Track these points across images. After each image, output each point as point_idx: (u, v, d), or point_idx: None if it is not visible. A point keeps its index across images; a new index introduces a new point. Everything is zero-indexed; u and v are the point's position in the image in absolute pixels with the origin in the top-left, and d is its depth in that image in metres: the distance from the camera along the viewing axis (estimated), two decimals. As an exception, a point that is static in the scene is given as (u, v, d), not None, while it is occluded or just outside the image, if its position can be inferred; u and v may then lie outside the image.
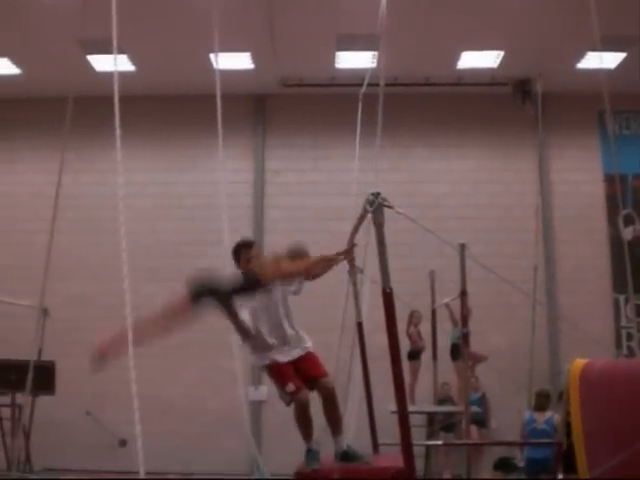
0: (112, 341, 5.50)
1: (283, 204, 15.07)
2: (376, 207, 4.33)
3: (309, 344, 6.59)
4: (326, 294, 9.30)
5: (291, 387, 6.28)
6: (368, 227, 5.25)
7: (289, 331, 6.49)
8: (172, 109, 15.45)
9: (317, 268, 6.21)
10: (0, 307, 13.11)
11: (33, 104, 15.24)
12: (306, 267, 6.21)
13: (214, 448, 13.81)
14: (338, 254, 6.47)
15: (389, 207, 4.36)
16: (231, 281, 6.05)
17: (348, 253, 6.73)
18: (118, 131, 4.34)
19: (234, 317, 6.07)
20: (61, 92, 9.17)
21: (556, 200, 15.15)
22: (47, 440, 13.17)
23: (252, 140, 15.56)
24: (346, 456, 6.30)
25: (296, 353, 6.46)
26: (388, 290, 4.38)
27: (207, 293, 5.84)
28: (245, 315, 6.18)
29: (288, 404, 6.34)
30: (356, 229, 6.09)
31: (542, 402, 9.89)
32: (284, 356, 6.42)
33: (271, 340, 6.40)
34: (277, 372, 6.40)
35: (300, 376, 6.36)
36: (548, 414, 9.61)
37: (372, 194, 4.33)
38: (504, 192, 15.08)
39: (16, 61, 13.99)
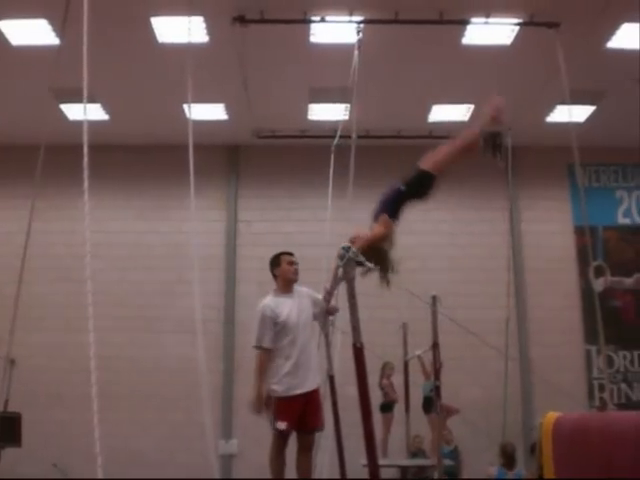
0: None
1: (255, 254, 14.96)
2: (346, 261, 4.31)
3: (319, 380, 6.56)
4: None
5: (282, 426, 6.21)
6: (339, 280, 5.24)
7: (311, 359, 6.48)
8: (145, 158, 15.45)
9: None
10: (-34, 357, 12.91)
11: (4, 151, 15.17)
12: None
13: (183, 502, 13.56)
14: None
15: (359, 262, 4.35)
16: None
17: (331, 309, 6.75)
18: (86, 182, 4.31)
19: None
20: (33, 140, 9.13)
21: (527, 251, 15.27)
22: (12, 494, 12.87)
23: (225, 190, 15.57)
24: None
25: (310, 385, 6.41)
26: (359, 345, 4.34)
27: None
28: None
29: (273, 430, 6.29)
30: (333, 284, 6.04)
31: (509, 458, 9.78)
32: (299, 388, 6.36)
33: (294, 367, 6.36)
34: (281, 405, 6.33)
35: (299, 414, 6.28)
36: (516, 469, 9.51)
37: (343, 247, 4.31)
38: (477, 244, 15.17)
39: (-12, 109, 13.96)
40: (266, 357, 6.41)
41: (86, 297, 4.33)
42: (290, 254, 6.75)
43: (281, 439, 6.29)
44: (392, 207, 5.81)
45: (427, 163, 5.87)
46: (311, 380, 6.44)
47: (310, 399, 6.42)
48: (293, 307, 6.53)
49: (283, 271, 6.64)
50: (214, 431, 11.04)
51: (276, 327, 6.42)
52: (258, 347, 6.44)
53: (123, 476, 12.22)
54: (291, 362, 6.36)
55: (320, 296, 6.76)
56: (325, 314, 6.93)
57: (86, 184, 4.25)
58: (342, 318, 7.18)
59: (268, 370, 6.44)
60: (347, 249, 4.29)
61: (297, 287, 6.74)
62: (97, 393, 3.91)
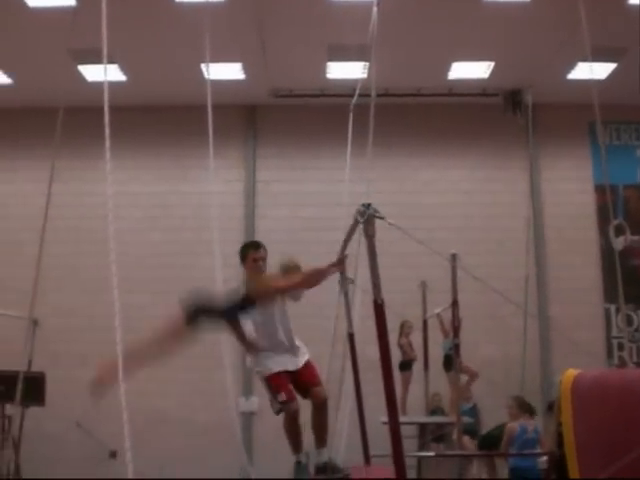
0: (110, 368, 5.45)
1: (274, 214, 15.04)
2: (367, 218, 4.31)
3: (306, 354, 6.60)
4: (317, 305, 9.27)
5: (283, 396, 6.31)
6: (359, 238, 5.24)
7: (287, 340, 6.51)
8: (163, 119, 15.43)
9: (311, 280, 6.19)
10: (-11, 318, 13.08)
11: (24, 114, 15.20)
12: (301, 280, 6.20)
13: (205, 459, 13.75)
14: (330, 265, 6.45)
15: (380, 218, 4.34)
16: (227, 300, 6.04)
17: (340, 264, 6.72)
18: (108, 142, 4.31)
19: (237, 331, 6.11)
20: (52, 102, 9.12)
21: (547, 210, 15.19)
22: (37, 452, 13.10)
23: (243, 150, 15.56)
24: (324, 469, 6.29)
25: (293, 363, 6.47)
26: (379, 302, 4.36)
27: (203, 314, 5.82)
28: (248, 326, 6.22)
29: (277, 413, 6.36)
30: (347, 240, 6.07)
31: (528, 409, 9.79)
32: (281, 365, 6.43)
33: (270, 348, 6.42)
34: (271, 380, 6.43)
35: (295, 385, 6.37)
36: (534, 422, 9.54)
37: (363, 205, 4.31)
38: (495, 202, 15.10)
39: (7, 71, 13.96)
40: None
41: (106, 257, 4.36)
42: (257, 247, 6.66)
43: (288, 411, 6.37)
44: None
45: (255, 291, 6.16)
46: (293, 360, 6.52)
47: (299, 369, 6.51)
48: None
49: (249, 268, 6.60)
50: (234, 389, 11.16)
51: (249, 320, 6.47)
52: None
53: (146, 434, 12.42)
54: (270, 353, 6.46)
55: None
56: (343, 273, 6.96)
57: (107, 144, 4.26)
58: (362, 278, 7.21)
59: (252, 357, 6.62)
60: (367, 206, 4.28)
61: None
62: (120, 351, 3.96)
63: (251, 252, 6.61)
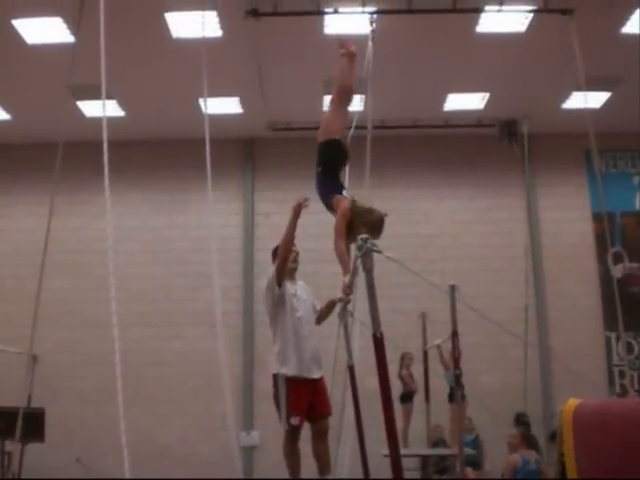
0: None
1: (273, 246, 15.03)
2: (365, 252, 4.32)
3: (322, 370, 6.61)
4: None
5: (295, 421, 6.26)
6: (358, 269, 5.26)
7: (315, 345, 6.53)
8: (161, 153, 15.51)
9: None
10: (-11, 354, 13.04)
11: (23, 149, 15.29)
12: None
13: (206, 494, 13.65)
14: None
15: (378, 252, 4.35)
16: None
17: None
18: (107, 178, 4.35)
19: None
20: (51, 138, 9.19)
21: (545, 239, 15.23)
22: (37, 488, 13.00)
23: (241, 183, 15.62)
24: None
25: (317, 373, 6.45)
26: (379, 335, 4.36)
27: None
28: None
29: (281, 422, 6.33)
30: (352, 275, 6.03)
31: (531, 441, 9.73)
32: (308, 372, 6.42)
33: (296, 342, 6.44)
34: (293, 392, 6.36)
35: (308, 405, 6.32)
36: (534, 454, 9.45)
37: (361, 238, 4.32)
38: (494, 232, 15.14)
39: (6, 107, 14.06)
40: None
41: (106, 292, 4.37)
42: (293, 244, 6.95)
43: (294, 433, 6.37)
44: (329, 188, 6.35)
45: (320, 136, 6.53)
46: (317, 368, 6.51)
47: (317, 387, 6.48)
48: (298, 291, 6.72)
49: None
50: (235, 423, 11.11)
51: (285, 298, 6.56)
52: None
53: (146, 469, 12.33)
54: (297, 346, 6.44)
55: (316, 302, 6.87)
56: (344, 304, 6.96)
57: (106, 180, 4.29)
58: (360, 309, 7.21)
59: (274, 347, 6.51)
60: (365, 240, 4.29)
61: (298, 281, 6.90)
62: (120, 387, 3.95)
63: None
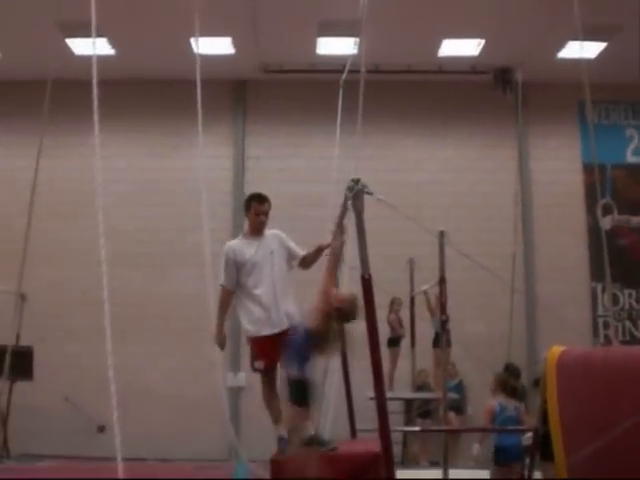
0: None
1: (263, 190, 14.90)
2: (356, 193, 4.32)
3: (295, 317, 6.62)
4: (305, 280, 9.32)
5: (260, 365, 6.40)
6: (347, 213, 5.25)
7: (280, 299, 6.53)
8: (152, 94, 15.34)
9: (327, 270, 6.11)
10: (-23, 292, 13.05)
11: (11, 87, 15.08)
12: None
13: (193, 434, 13.82)
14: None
15: (369, 193, 4.35)
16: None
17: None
18: (96, 115, 4.29)
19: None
20: (40, 75, 9.08)
21: (535, 188, 15.24)
22: (25, 426, 13.13)
23: (232, 126, 15.50)
24: (312, 441, 6.33)
25: (282, 325, 6.49)
26: (367, 277, 4.38)
27: None
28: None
29: (254, 371, 6.45)
30: (342, 215, 6.01)
31: (513, 389, 9.81)
32: (269, 328, 6.46)
33: (261, 306, 6.48)
34: (254, 343, 6.55)
35: (277, 350, 6.35)
36: (513, 401, 9.51)
37: (352, 180, 4.32)
38: (484, 180, 15.13)
39: (-6, 44, 13.85)
40: (227, 295, 6.72)
41: (95, 232, 4.35)
42: (261, 201, 6.86)
43: (265, 377, 6.51)
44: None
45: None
46: (282, 320, 6.52)
47: (285, 333, 6.50)
48: (259, 248, 6.67)
49: (251, 219, 6.85)
50: (223, 364, 11.19)
51: (240, 267, 6.61)
52: (221, 285, 6.74)
53: (133, 409, 12.45)
54: (260, 304, 6.54)
55: (296, 248, 6.88)
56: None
57: (96, 117, 4.24)
58: (349, 253, 7.21)
59: (239, 310, 6.69)
60: (357, 181, 4.29)
61: (272, 230, 6.91)
62: (108, 323, 3.96)
63: (254, 204, 6.85)
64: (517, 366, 11.37)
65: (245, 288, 6.63)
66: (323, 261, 6.35)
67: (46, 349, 13.32)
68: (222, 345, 6.84)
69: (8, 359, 9.86)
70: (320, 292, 5.92)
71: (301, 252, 6.88)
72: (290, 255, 6.87)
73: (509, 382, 9.72)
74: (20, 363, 11.82)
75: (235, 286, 6.69)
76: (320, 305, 5.76)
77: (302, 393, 5.79)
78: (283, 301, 6.59)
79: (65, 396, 13.92)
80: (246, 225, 7.02)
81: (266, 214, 6.83)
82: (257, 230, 6.83)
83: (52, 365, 13.64)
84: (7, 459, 12.40)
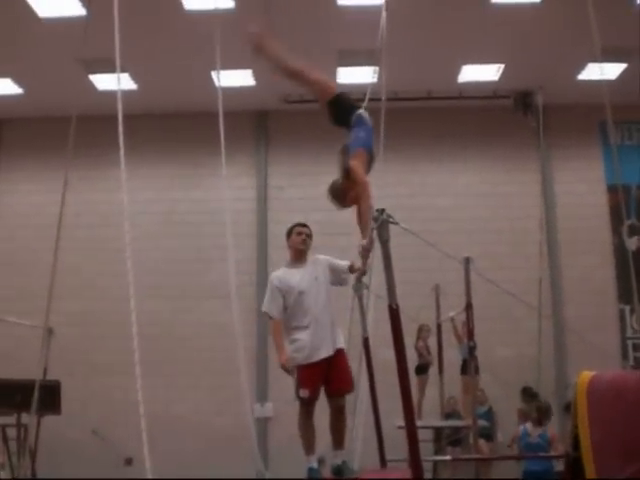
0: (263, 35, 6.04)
1: (287, 219, 14.99)
2: (381, 223, 4.31)
3: (342, 342, 6.61)
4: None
5: (304, 393, 6.34)
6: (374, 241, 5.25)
7: (326, 326, 6.53)
8: (175, 127, 15.48)
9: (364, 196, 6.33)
10: (4, 327, 13.13)
11: (36, 124, 15.29)
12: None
13: (221, 465, 13.75)
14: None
15: (394, 223, 4.34)
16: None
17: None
18: (122, 149, 4.34)
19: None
20: (63, 112, 9.19)
21: (560, 212, 15.15)
22: (54, 459, 13.14)
23: (255, 157, 15.59)
24: (339, 471, 6.32)
25: (328, 351, 6.46)
26: (395, 306, 4.35)
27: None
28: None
29: (298, 399, 6.41)
30: (369, 242, 5.96)
31: (542, 416, 9.77)
32: (316, 355, 6.44)
33: (308, 334, 6.43)
34: (302, 371, 6.43)
35: (323, 379, 6.34)
36: (542, 428, 9.47)
37: (377, 210, 4.31)
38: (508, 205, 15.08)
39: (18, 81, 14.05)
40: (277, 325, 6.63)
41: (121, 265, 4.38)
42: (302, 225, 6.94)
43: (306, 406, 6.43)
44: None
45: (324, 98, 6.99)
46: (329, 346, 6.48)
47: (333, 363, 6.47)
48: (304, 275, 6.63)
49: (292, 242, 6.84)
50: (250, 394, 11.17)
51: (285, 296, 6.58)
52: (267, 315, 6.72)
53: (161, 440, 12.43)
54: (306, 332, 6.46)
55: (340, 261, 6.83)
56: (359, 276, 6.94)
57: (122, 151, 4.29)
58: (375, 282, 7.20)
59: (285, 339, 6.59)
60: (381, 211, 4.28)
61: (315, 256, 6.87)
62: (137, 359, 3.97)
63: (297, 227, 6.91)
64: (532, 388, 11.36)
65: (291, 316, 6.60)
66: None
67: (74, 383, 13.35)
68: (291, 371, 6.76)
69: (36, 393, 9.89)
70: None
71: (344, 262, 6.84)
72: (337, 272, 6.79)
73: (531, 413, 9.69)
74: (48, 397, 11.85)
75: (282, 314, 6.64)
76: None
77: None
78: (329, 327, 6.56)
79: (93, 429, 13.93)
80: (288, 255, 6.94)
81: (308, 236, 6.85)
82: (300, 255, 6.78)
83: (80, 398, 13.67)
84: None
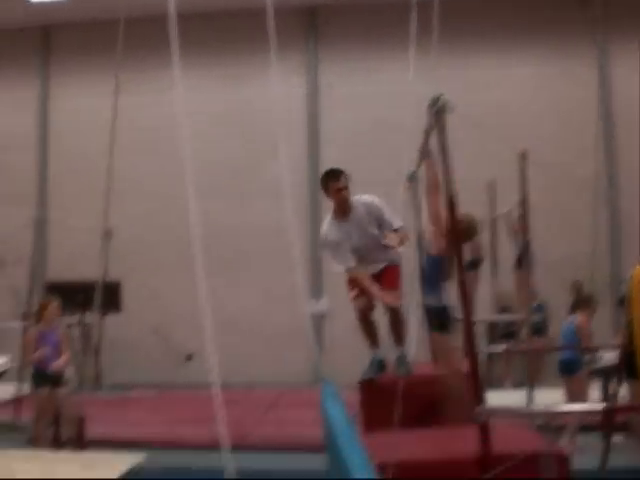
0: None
1: (338, 117, 14.95)
2: (438, 108, 4.24)
3: (393, 258, 6.68)
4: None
5: (351, 294, 6.47)
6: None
7: (373, 255, 6.63)
8: (224, 25, 15.31)
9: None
10: (65, 231, 13.45)
11: (84, 28, 15.23)
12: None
13: (278, 360, 14.09)
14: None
15: (451, 108, 4.28)
16: None
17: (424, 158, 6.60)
18: (175, 44, 4.30)
19: None
20: (111, 14, 9.14)
21: (618, 105, 14.70)
22: (116, 357, 13.60)
23: (305, 54, 15.39)
24: (401, 361, 6.55)
25: (375, 268, 6.62)
26: (453, 196, 4.34)
27: None
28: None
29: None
30: (427, 135, 5.85)
31: (575, 305, 9.69)
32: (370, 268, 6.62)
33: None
34: (350, 279, 6.62)
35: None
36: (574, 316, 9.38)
37: (433, 97, 4.25)
38: (564, 98, 14.69)
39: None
40: (360, 274, 6.51)
41: (175, 166, 4.40)
42: (336, 178, 6.49)
43: (357, 307, 6.60)
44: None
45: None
46: (376, 267, 6.66)
47: (381, 274, 6.64)
48: (351, 228, 6.53)
49: (333, 198, 6.55)
50: (305, 292, 11.33)
51: (343, 244, 6.53)
52: (347, 270, 6.60)
53: (220, 338, 12.74)
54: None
55: (391, 219, 6.61)
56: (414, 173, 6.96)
57: (175, 46, 4.25)
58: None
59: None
60: (438, 99, 4.22)
61: (363, 200, 6.63)
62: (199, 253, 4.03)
63: (332, 183, 6.48)
64: (579, 281, 11.39)
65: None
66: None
67: (133, 282, 13.68)
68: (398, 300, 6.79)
69: (98, 293, 10.19)
70: (431, 216, 6.01)
71: (396, 223, 6.60)
72: (383, 226, 6.62)
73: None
74: (109, 297, 12.21)
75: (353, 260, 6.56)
76: (436, 229, 5.87)
77: (444, 320, 5.98)
78: (380, 257, 6.69)
79: (153, 327, 14.31)
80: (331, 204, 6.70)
81: (346, 188, 6.48)
82: (343, 208, 6.55)
83: (140, 297, 14.02)
84: (100, 389, 12.88)
